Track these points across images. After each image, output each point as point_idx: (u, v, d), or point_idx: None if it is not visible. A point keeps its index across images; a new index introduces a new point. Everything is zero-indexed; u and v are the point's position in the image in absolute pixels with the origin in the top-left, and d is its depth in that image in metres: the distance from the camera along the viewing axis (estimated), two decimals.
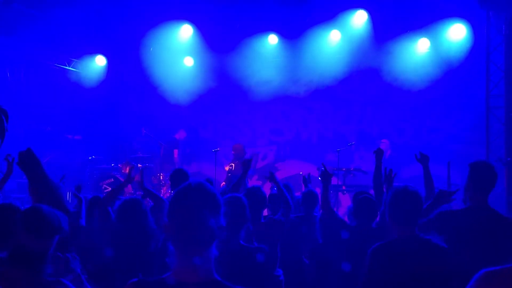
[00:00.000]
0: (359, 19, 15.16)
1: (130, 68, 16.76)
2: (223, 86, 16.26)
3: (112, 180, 14.40)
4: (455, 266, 4.16)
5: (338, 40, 15.68)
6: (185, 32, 16.46)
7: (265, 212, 7.03)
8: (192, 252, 2.62)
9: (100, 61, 17.31)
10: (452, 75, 14.38)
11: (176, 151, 16.01)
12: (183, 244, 2.64)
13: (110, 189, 12.06)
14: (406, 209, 4.37)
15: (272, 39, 16.29)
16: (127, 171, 14.38)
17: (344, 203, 13.62)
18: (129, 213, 5.95)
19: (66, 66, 16.64)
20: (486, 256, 4.42)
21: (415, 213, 4.40)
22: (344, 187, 12.85)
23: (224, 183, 13.72)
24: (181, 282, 2.62)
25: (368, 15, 15.06)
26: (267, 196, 7.45)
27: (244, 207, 4.95)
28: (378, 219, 6.21)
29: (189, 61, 16.97)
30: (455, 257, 4.40)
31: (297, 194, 10.00)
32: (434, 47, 15.00)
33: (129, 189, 13.93)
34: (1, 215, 3.83)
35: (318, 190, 8.02)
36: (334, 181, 10.82)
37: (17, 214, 3.86)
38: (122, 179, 14.03)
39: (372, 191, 7.16)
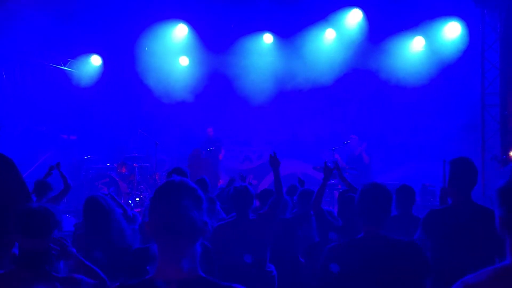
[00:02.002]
0: (354, 17, 15.24)
1: (126, 68, 16.74)
2: (219, 86, 16.29)
3: (108, 179, 14.37)
4: (421, 264, 4.11)
5: (333, 39, 15.77)
6: (180, 31, 16.53)
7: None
8: (176, 247, 2.59)
9: (95, 61, 17.32)
10: (447, 73, 14.48)
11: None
12: (167, 239, 2.60)
13: (105, 188, 12.04)
14: (370, 207, 4.25)
15: (267, 38, 16.37)
16: (123, 170, 14.47)
17: None
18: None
19: (61, 66, 16.63)
20: (473, 252, 4.52)
21: (379, 210, 4.26)
22: (339, 186, 12.84)
23: (221, 181, 13.70)
24: (165, 280, 2.58)
25: (363, 14, 15.12)
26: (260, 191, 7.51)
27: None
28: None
29: (184, 61, 16.99)
30: (422, 256, 4.34)
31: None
32: (429, 45, 15.09)
33: (124, 188, 13.91)
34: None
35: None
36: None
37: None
38: (117, 179, 14.03)
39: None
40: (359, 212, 4.31)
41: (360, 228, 4.34)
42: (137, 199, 13.45)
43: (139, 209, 11.73)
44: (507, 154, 10.55)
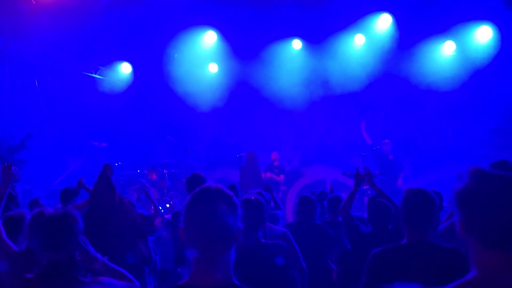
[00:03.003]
0: (384, 22, 15.23)
1: (155, 75, 16.86)
2: (248, 92, 16.28)
3: (138, 186, 14.48)
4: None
5: (363, 44, 15.75)
6: (209, 38, 16.68)
7: None
8: (212, 253, 2.59)
9: (125, 69, 17.52)
10: (479, 77, 14.34)
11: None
12: (203, 245, 2.59)
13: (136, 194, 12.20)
14: (416, 212, 4.14)
15: (296, 44, 16.40)
16: (154, 177, 14.58)
17: None
18: None
19: (92, 73, 16.78)
20: None
21: (425, 216, 4.16)
22: (369, 192, 12.78)
23: None
24: (199, 286, 2.57)
25: (392, 18, 15.04)
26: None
27: (263, 207, 4.95)
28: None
29: (213, 68, 17.02)
30: (467, 264, 4.24)
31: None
32: (460, 49, 14.98)
33: (155, 194, 14.02)
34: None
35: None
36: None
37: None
38: (148, 185, 14.13)
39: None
40: (403, 217, 4.25)
41: (402, 233, 4.30)
42: (167, 205, 13.52)
43: (169, 215, 11.79)
44: None
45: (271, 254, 4.75)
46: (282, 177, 15.03)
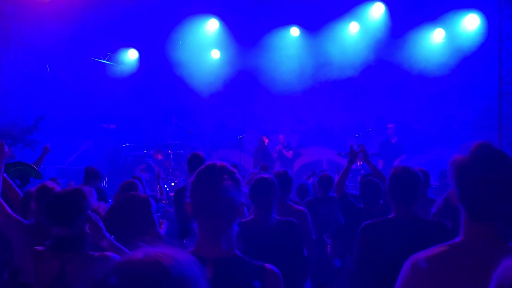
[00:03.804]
0: (377, 11, 15.29)
1: (160, 61, 16.87)
2: (249, 77, 16.37)
3: (145, 165, 14.58)
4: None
5: (357, 32, 15.77)
6: (212, 25, 16.67)
7: None
8: (216, 226, 2.59)
9: (132, 55, 17.52)
10: (466, 63, 14.34)
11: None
12: (208, 218, 2.59)
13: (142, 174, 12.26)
14: (403, 188, 4.19)
15: (294, 32, 16.43)
16: (159, 157, 14.66)
17: None
18: None
19: (101, 59, 16.81)
20: None
21: (412, 192, 4.22)
22: (362, 171, 12.84)
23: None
24: (202, 257, 2.37)
25: (385, 7, 15.06)
26: None
27: (274, 185, 4.96)
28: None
29: (216, 54, 17.04)
30: (450, 236, 4.29)
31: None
32: (449, 37, 15.00)
33: (161, 173, 14.10)
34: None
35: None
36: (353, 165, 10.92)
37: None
38: (154, 165, 14.22)
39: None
40: (390, 193, 4.31)
41: (390, 208, 4.36)
42: (172, 183, 13.61)
43: (173, 193, 11.87)
44: None
45: (283, 231, 4.71)
46: (290, 153, 15.34)
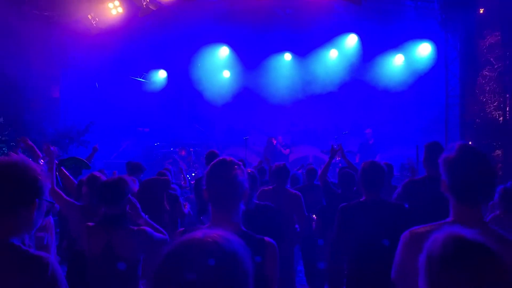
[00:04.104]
0: (351, 41, 15.12)
1: (184, 79, 16.89)
2: (252, 92, 16.24)
3: (172, 160, 14.60)
4: (408, 222, 3.91)
5: (336, 57, 15.72)
6: (223, 52, 16.64)
7: None
8: (226, 206, 2.58)
9: (162, 74, 17.53)
10: (420, 81, 14.27)
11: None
12: (220, 201, 2.59)
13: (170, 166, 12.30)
14: (371, 178, 4.27)
15: (287, 57, 16.48)
16: (183, 153, 14.63)
17: None
18: None
19: (138, 78, 16.87)
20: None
21: (378, 180, 4.28)
22: (340, 164, 12.87)
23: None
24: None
25: (358, 38, 15.00)
26: None
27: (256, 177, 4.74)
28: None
29: (226, 74, 17.05)
30: (410, 216, 4.29)
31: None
32: (407, 61, 14.90)
33: (184, 166, 14.13)
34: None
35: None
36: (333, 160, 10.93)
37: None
38: (178, 159, 14.25)
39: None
40: (362, 181, 4.36)
41: (361, 193, 4.41)
42: (193, 174, 13.66)
43: (193, 182, 11.90)
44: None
45: (261, 212, 4.57)
46: (287, 150, 15.39)
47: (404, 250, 2.52)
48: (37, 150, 6.40)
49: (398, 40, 14.49)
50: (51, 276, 2.06)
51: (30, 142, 6.48)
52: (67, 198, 4.78)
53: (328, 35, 15.00)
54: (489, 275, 1.50)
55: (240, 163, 2.68)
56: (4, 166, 2.11)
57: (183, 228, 2.81)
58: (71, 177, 5.74)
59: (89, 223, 3.86)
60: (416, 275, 1.72)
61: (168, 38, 15.10)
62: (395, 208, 4.32)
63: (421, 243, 2.16)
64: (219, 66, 16.83)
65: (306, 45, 15.53)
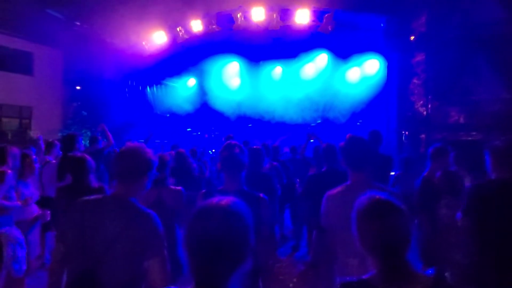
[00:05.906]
0: (323, 59, 14.51)
1: (208, 84, 16.08)
2: (252, 97, 15.41)
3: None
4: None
5: (314, 71, 14.86)
6: (233, 66, 15.81)
7: None
8: (234, 173, 2.70)
9: (191, 82, 17.10)
10: (371, 88, 13.36)
11: None
12: (230, 170, 2.71)
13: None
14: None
15: (278, 70, 15.77)
16: (206, 136, 14.17)
17: None
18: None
19: (173, 84, 16.73)
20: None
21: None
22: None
23: None
24: (226, 190, 2.62)
25: (328, 55, 14.25)
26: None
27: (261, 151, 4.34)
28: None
29: (236, 82, 16.24)
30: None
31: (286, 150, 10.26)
32: (361, 72, 14.24)
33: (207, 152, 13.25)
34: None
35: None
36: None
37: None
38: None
39: None
40: (324, 155, 4.04)
41: (323, 164, 4.10)
42: (210, 152, 13.45)
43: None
44: None
45: (267, 177, 4.30)
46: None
47: (323, 208, 2.58)
48: (109, 134, 6.67)
49: (356, 57, 13.65)
50: (159, 226, 2.13)
51: (106, 128, 6.81)
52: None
53: (307, 53, 14.02)
54: (391, 220, 1.57)
55: (242, 145, 2.84)
56: (134, 149, 2.23)
57: (205, 190, 2.87)
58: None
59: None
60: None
61: (198, 53, 13.72)
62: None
63: (333, 199, 2.48)
64: (229, 76, 15.97)
65: (292, 61, 14.37)
